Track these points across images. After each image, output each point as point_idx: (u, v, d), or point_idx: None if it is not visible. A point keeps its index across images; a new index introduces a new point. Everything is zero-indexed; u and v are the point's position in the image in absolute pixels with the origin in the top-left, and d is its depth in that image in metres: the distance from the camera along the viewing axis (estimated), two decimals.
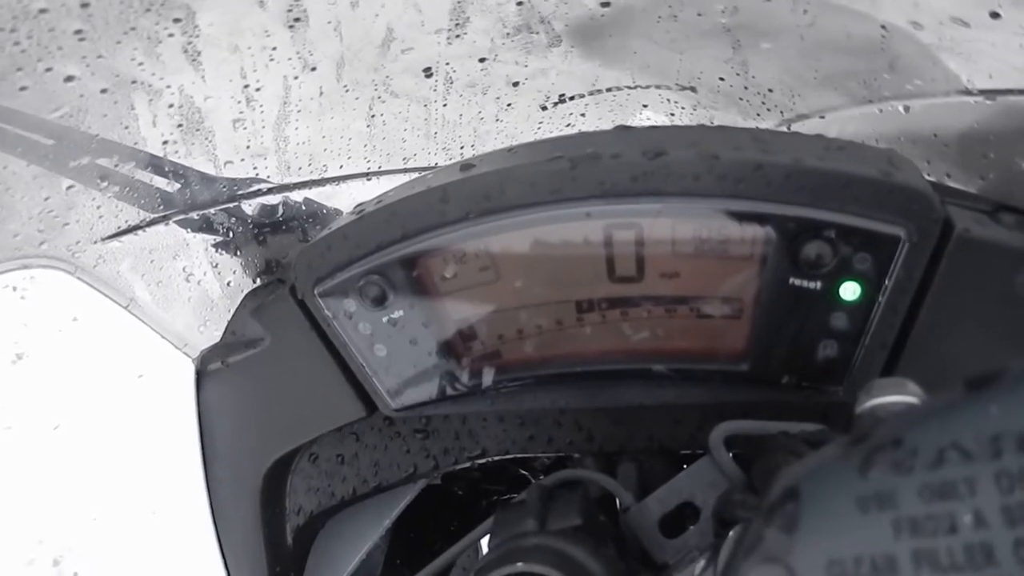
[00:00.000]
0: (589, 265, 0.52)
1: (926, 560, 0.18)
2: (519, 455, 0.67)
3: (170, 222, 0.52)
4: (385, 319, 0.55)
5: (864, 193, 0.45)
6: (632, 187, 0.48)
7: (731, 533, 0.43)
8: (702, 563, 0.44)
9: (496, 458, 0.67)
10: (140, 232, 0.51)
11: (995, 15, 0.35)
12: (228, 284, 0.59)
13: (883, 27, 0.42)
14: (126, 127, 0.44)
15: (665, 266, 0.51)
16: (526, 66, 0.62)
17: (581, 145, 0.51)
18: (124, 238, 0.50)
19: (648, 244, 0.50)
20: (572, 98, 0.72)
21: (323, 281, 0.55)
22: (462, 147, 0.74)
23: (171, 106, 0.44)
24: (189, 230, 0.54)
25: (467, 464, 0.68)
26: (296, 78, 0.49)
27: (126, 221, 0.49)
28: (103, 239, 0.49)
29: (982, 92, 0.42)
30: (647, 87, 0.70)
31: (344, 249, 0.55)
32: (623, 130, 0.53)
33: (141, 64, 0.41)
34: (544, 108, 0.73)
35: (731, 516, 0.44)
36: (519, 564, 0.43)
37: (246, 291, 0.62)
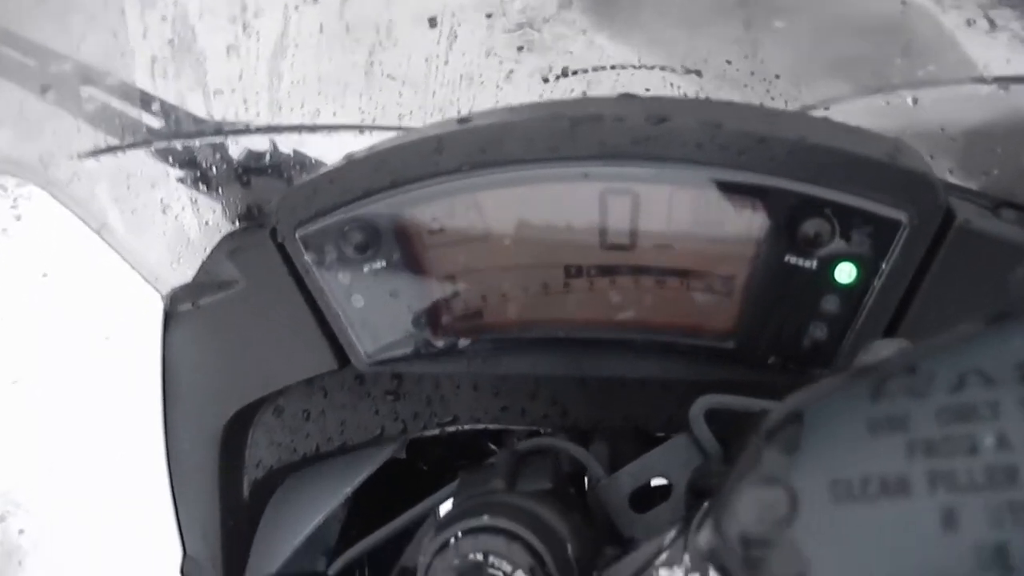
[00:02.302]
0: (581, 230, 0.50)
1: (942, 481, 0.17)
2: (490, 426, 0.65)
3: (152, 148, 0.50)
4: (366, 269, 0.53)
5: (868, 174, 0.44)
6: (632, 150, 0.47)
7: (705, 503, 0.42)
8: (672, 533, 0.42)
9: (467, 427, 0.66)
10: (119, 154, 0.48)
11: None
12: (206, 223, 0.57)
13: (903, 2, 0.41)
14: (115, 34, 0.41)
15: (659, 237, 0.50)
16: (532, 28, 0.61)
17: (584, 107, 0.49)
18: (102, 158, 0.48)
19: (643, 213, 0.49)
20: (575, 72, 0.71)
21: (305, 224, 0.54)
22: (459, 112, 0.72)
23: (163, 18, 0.42)
24: (170, 159, 0.52)
25: (436, 431, 0.67)
26: (296, 8, 0.48)
27: (105, 140, 0.47)
28: (79, 156, 0.46)
29: (997, 80, 0.41)
30: (652, 68, 0.69)
31: (330, 193, 0.53)
32: (628, 97, 0.52)
33: None
34: (546, 80, 0.72)
35: (706, 487, 0.43)
36: (484, 517, 0.41)
37: (225, 233, 0.60)
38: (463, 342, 0.55)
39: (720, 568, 0.20)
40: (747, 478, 0.19)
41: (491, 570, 0.40)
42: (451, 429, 0.67)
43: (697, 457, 0.51)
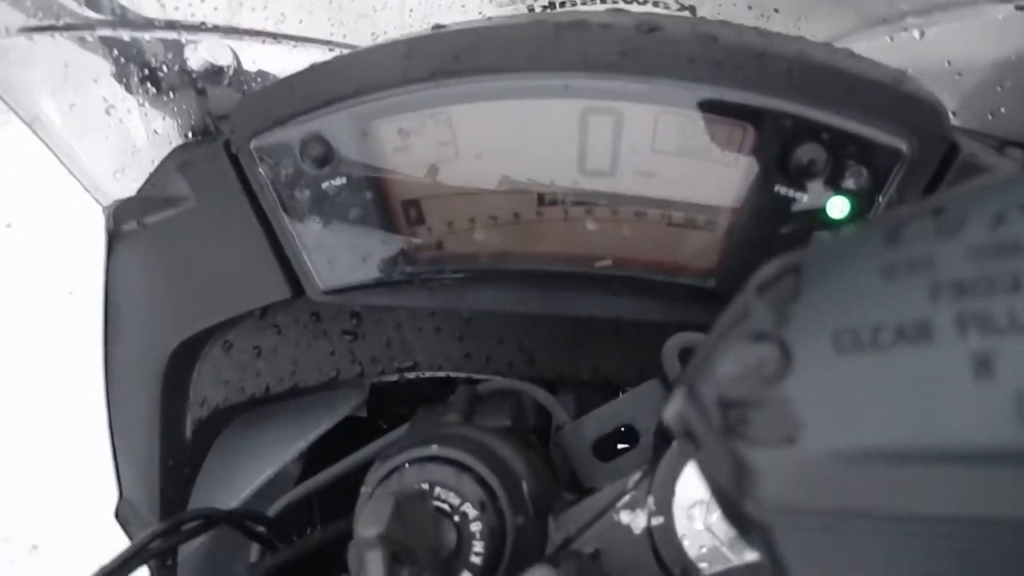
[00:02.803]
0: (559, 152, 0.47)
1: (975, 322, 0.13)
2: (452, 373, 0.62)
3: (94, 34, 0.45)
4: (325, 185, 0.49)
5: (870, 97, 0.41)
6: (619, 62, 0.43)
7: (674, 443, 0.38)
8: (636, 476, 0.39)
9: (427, 374, 0.62)
10: (56, 36, 0.44)
11: None
12: (155, 132, 0.53)
13: None
14: None
15: (641, 163, 0.46)
16: None
17: (570, 16, 0.46)
18: (36, 38, 0.43)
19: (626, 135, 0.45)
20: (563, 4, 0.67)
21: (261, 134, 0.49)
22: None
23: None
24: (115, 51, 0.48)
25: (395, 377, 0.63)
26: None
27: (40, 16, 0.42)
28: (8, 30, 0.42)
29: None
30: (644, 2, 0.65)
31: (290, 100, 0.49)
32: (617, 10, 0.48)
33: None
34: (531, 10, 0.68)
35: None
36: (433, 447, 0.37)
37: (176, 145, 0.55)
38: (426, 272, 0.51)
39: (688, 435, 0.16)
40: (729, 336, 0.16)
41: (437, 502, 0.36)
42: (411, 376, 0.63)
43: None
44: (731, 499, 0.15)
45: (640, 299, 0.49)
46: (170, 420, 0.62)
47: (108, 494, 0.64)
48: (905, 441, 0.13)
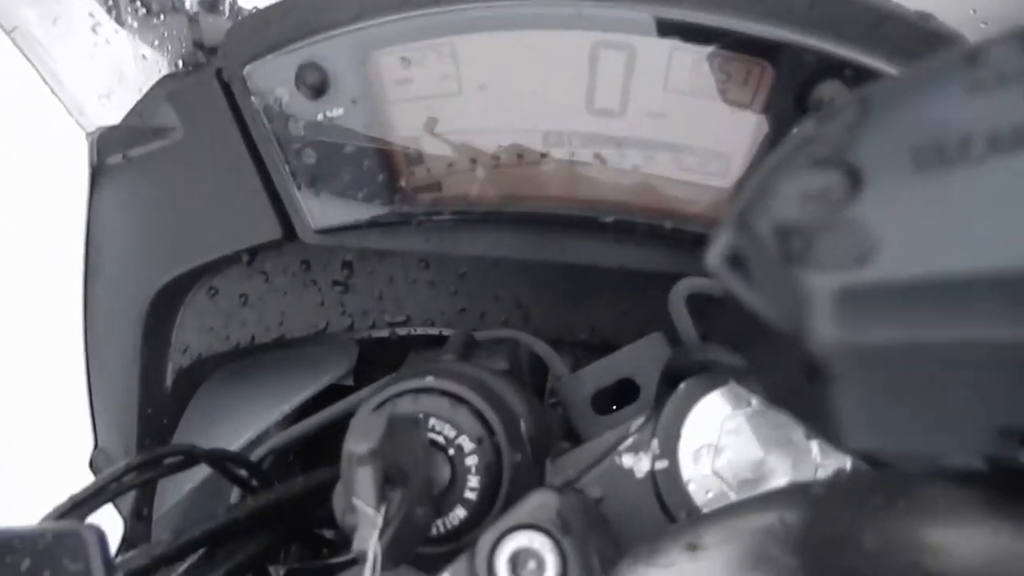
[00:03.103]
0: (567, 88, 0.45)
1: None
2: (445, 330, 0.59)
3: None
4: (320, 116, 0.47)
5: (895, 34, 0.39)
6: None
7: (681, 385, 0.37)
8: (640, 420, 0.37)
9: (419, 331, 0.60)
10: None
11: None
12: (143, 57, 0.50)
13: None
14: None
15: (653, 103, 0.44)
16: None
17: None
18: None
19: (638, 72, 0.43)
20: None
21: (255, 60, 0.47)
22: None
23: None
24: None
25: (386, 332, 0.61)
26: None
27: None
28: None
29: None
30: None
31: (285, 26, 0.47)
32: None
33: None
34: None
35: (683, 370, 0.38)
36: (428, 378, 0.35)
37: (164, 74, 0.53)
38: (423, 214, 0.49)
39: (739, 271, 0.14)
40: (787, 164, 0.14)
41: (432, 434, 0.34)
42: (402, 332, 0.61)
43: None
44: (789, 341, 0.13)
45: (646, 248, 0.47)
46: (150, 367, 0.59)
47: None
48: (1002, 261, 0.11)
